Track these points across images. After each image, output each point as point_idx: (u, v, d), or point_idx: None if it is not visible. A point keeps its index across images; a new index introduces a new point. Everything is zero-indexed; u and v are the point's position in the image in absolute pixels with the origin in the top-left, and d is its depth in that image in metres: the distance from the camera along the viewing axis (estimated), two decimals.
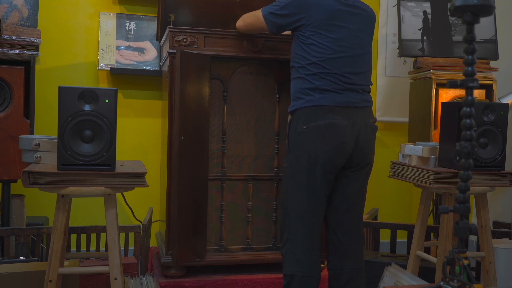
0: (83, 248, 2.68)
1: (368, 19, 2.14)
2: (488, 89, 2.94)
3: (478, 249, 2.51)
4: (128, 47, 3.15)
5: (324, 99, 2.03)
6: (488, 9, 1.16)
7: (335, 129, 2.02)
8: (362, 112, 2.09)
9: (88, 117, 1.80)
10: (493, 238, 2.65)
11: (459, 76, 2.82)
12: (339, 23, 2.05)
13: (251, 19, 2.27)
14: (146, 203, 3.13)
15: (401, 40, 2.97)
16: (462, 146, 1.19)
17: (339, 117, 2.02)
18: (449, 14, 1.42)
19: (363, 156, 2.10)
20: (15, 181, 2.55)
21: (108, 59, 3.11)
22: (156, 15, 2.87)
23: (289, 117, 2.15)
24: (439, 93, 2.85)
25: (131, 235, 2.72)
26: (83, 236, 2.60)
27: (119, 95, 3.12)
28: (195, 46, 2.40)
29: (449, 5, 1.21)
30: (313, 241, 2.06)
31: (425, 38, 2.98)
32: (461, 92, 2.87)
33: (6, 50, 2.49)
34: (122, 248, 2.64)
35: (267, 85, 2.54)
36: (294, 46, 2.13)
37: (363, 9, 2.13)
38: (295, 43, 2.12)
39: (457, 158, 2.09)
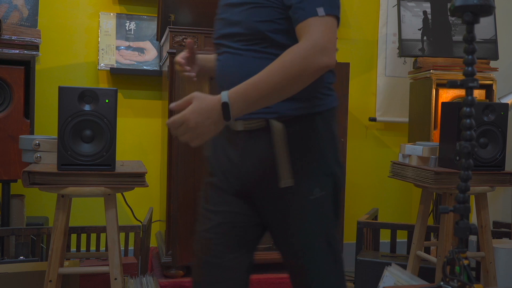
0: (83, 248, 2.68)
1: None
2: (488, 89, 2.93)
3: (478, 249, 2.51)
4: (128, 47, 3.15)
5: (336, 99, 1.50)
6: (488, 9, 1.16)
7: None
8: None
9: (88, 117, 1.79)
10: (493, 238, 2.65)
11: (459, 76, 2.82)
12: None
13: (330, 35, 1.32)
14: (146, 203, 3.13)
15: (401, 40, 2.97)
16: (462, 146, 1.19)
17: None
18: (449, 14, 1.41)
19: None
20: (15, 181, 2.55)
21: (108, 59, 3.11)
22: (156, 15, 2.87)
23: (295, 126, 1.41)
24: (439, 93, 2.85)
25: (131, 235, 2.72)
26: (83, 236, 2.60)
27: (119, 95, 3.12)
28: (195, 46, 2.39)
29: (449, 5, 1.21)
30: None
31: (425, 38, 2.98)
32: (461, 92, 2.86)
33: (6, 50, 2.48)
34: (122, 248, 2.63)
35: None
36: None
37: None
38: None
39: (457, 158, 2.09)
